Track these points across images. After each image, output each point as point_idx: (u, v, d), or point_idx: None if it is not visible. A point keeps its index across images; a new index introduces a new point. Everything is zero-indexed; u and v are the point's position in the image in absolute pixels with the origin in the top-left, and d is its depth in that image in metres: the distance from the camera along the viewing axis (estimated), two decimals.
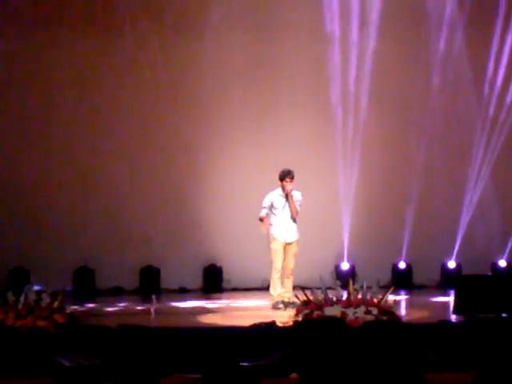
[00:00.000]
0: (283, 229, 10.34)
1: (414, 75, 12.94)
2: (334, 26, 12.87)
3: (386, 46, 12.87)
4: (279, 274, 10.32)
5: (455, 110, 13.13)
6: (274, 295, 10.27)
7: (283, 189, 10.33)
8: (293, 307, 9.17)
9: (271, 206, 10.39)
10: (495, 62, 13.01)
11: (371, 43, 12.85)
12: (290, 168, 10.35)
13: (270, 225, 10.36)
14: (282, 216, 10.35)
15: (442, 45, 12.95)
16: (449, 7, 12.94)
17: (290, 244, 10.36)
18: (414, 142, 13.04)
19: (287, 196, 10.30)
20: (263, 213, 10.42)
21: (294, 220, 10.38)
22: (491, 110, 13.02)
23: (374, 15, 12.78)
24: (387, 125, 12.97)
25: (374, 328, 4.79)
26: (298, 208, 10.34)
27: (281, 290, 10.27)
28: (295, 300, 9.11)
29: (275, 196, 10.40)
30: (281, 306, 10.05)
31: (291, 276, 10.34)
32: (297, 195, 10.36)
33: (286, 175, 10.28)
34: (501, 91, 13.06)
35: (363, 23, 12.82)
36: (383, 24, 12.82)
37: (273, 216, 10.39)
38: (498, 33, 12.93)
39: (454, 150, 13.15)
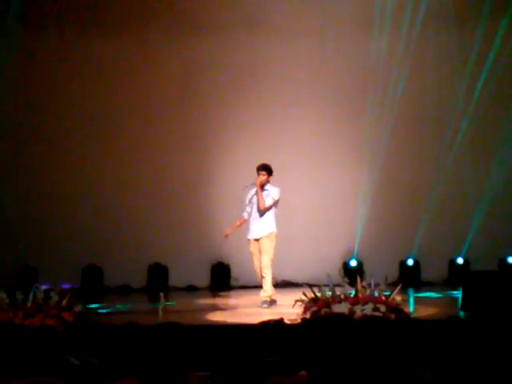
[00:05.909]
0: (250, 226, 10.26)
1: (424, 69, 12.90)
2: (334, 27, 12.86)
3: (391, 43, 12.87)
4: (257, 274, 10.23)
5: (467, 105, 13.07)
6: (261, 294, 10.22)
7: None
8: (274, 305, 9.73)
9: (247, 204, 10.32)
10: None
11: (375, 41, 12.83)
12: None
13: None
14: (251, 212, 10.24)
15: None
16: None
17: (258, 240, 10.19)
18: (423, 141, 13.01)
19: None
20: (245, 213, 10.34)
21: (262, 214, 10.20)
22: None
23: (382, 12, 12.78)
24: (396, 123, 12.93)
25: (381, 324, 4.78)
26: (268, 203, 10.12)
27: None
28: (274, 299, 9.79)
29: (252, 192, 10.31)
30: (265, 305, 10.03)
31: (265, 275, 10.07)
32: (273, 191, 10.19)
33: (257, 169, 10.23)
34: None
35: (366, 22, 12.81)
36: (388, 21, 12.81)
37: (245, 214, 10.35)
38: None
39: (463, 147, 13.09)
